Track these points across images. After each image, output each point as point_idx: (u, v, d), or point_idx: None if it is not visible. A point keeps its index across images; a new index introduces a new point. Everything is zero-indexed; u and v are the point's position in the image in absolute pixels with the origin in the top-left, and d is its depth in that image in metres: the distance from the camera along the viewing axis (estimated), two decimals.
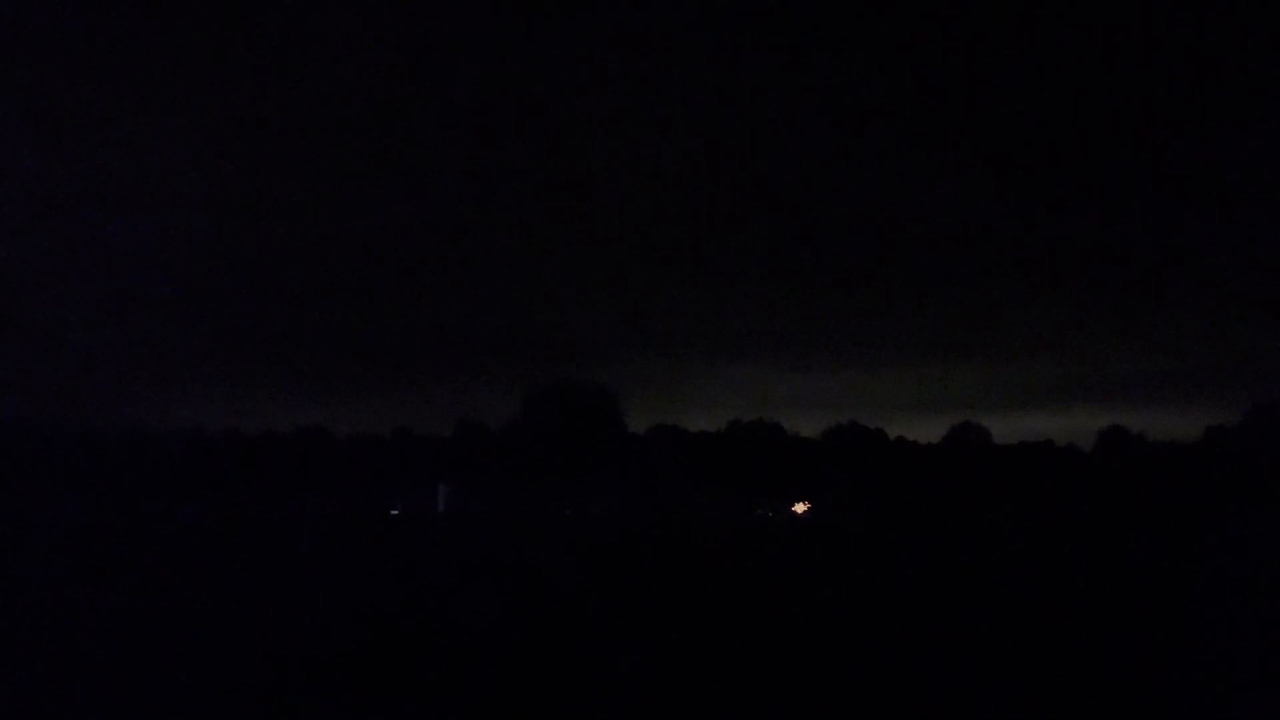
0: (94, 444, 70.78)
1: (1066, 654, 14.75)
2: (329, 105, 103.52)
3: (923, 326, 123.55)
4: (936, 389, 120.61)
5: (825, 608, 20.52)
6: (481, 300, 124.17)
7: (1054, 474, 70.14)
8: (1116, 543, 41.15)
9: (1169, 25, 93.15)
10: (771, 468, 70.24)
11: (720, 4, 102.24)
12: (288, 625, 16.53)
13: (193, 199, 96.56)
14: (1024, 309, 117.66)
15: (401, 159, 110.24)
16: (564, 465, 67.69)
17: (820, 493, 68.23)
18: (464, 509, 63.56)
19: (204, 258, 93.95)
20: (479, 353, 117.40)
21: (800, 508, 64.48)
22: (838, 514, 64.25)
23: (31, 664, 12.96)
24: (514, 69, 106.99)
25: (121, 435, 74.36)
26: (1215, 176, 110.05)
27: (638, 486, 67.16)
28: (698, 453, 77.20)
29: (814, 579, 26.65)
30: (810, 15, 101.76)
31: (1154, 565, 30.62)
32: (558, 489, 66.19)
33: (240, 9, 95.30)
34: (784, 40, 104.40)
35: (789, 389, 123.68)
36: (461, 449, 77.09)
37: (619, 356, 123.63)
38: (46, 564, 27.53)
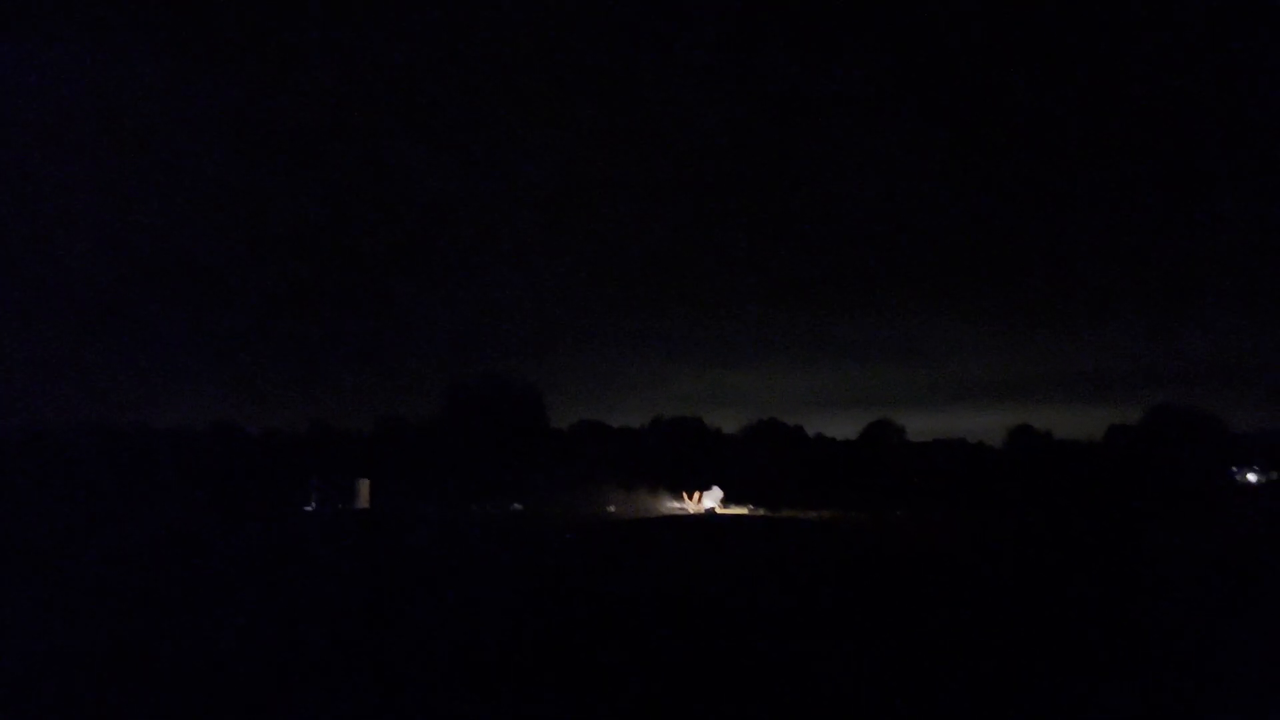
0: None
1: (980, 639, 15.30)
2: (259, 104, 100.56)
3: (840, 328, 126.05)
4: (853, 388, 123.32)
5: (750, 599, 20.86)
6: (404, 295, 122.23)
7: (966, 469, 72.24)
8: (1026, 533, 42.63)
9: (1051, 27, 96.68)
10: (694, 462, 70.88)
11: None
12: (198, 623, 16.15)
13: (108, 189, 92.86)
14: (937, 313, 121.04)
15: (321, 152, 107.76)
16: (487, 461, 67.14)
17: (740, 487, 68.97)
18: (384, 505, 62.52)
19: (113, 249, 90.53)
20: (401, 348, 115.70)
21: (711, 503, 65.18)
22: (762, 507, 65.04)
23: None
24: (426, 62, 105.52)
25: (22, 432, 71.28)
26: (1116, 186, 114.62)
27: (562, 482, 66.99)
28: (621, 448, 77.49)
29: (736, 571, 27.03)
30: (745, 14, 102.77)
31: (1061, 556, 31.85)
32: (480, 485, 65.61)
33: None
34: (714, 43, 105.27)
35: (710, 386, 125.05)
36: (382, 445, 75.87)
37: (543, 353, 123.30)
38: None
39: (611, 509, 62.46)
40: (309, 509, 59.75)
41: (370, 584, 21.92)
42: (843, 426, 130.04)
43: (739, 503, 67.60)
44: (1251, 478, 72.25)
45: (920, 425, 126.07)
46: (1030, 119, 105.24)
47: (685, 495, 67.39)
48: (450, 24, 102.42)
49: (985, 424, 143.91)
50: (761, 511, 63.49)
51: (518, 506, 64.08)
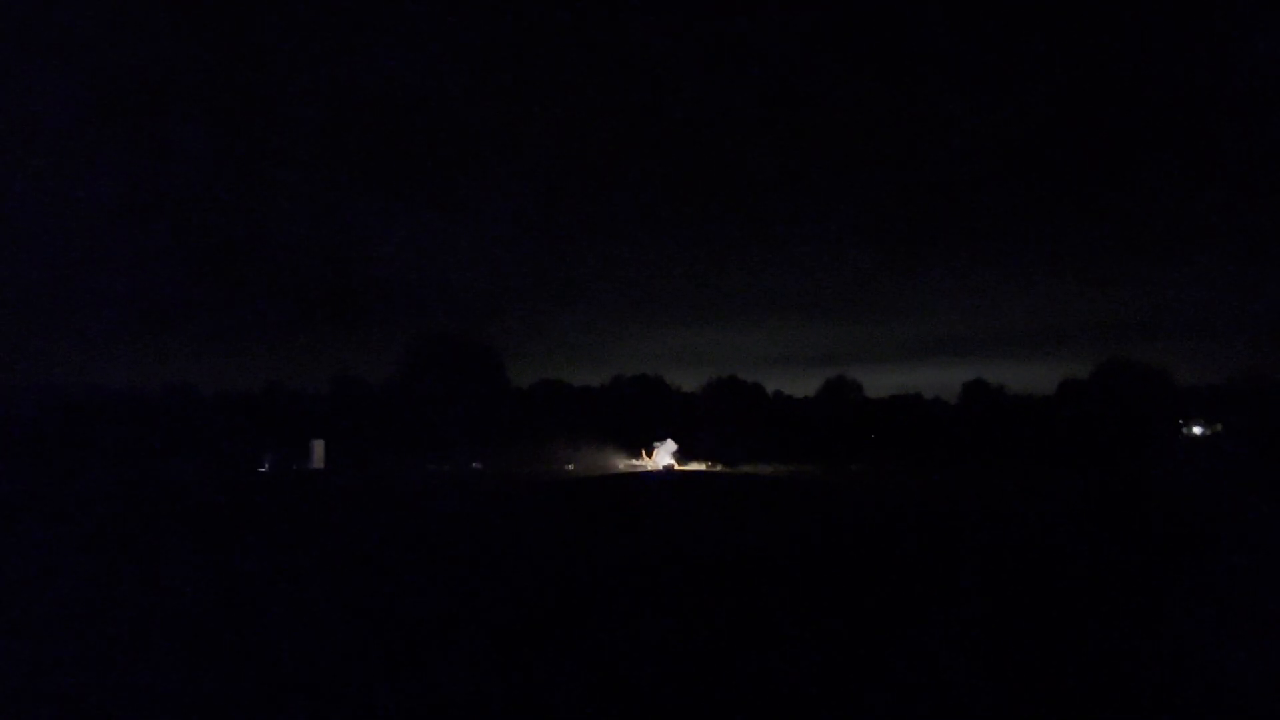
0: None
1: (939, 597, 15.45)
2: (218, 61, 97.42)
3: (797, 285, 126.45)
4: (812, 345, 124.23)
5: (713, 560, 20.92)
6: (361, 254, 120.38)
7: (922, 424, 73.22)
8: (980, 485, 43.32)
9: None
10: (653, 420, 71.02)
11: None
12: (154, 587, 15.85)
13: (55, 145, 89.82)
14: (893, 270, 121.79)
15: (279, 112, 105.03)
16: (445, 420, 66.76)
17: (699, 443, 69.31)
18: (341, 465, 62.05)
19: (60, 203, 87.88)
20: (358, 308, 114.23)
21: (667, 458, 65.47)
22: (720, 462, 65.47)
23: None
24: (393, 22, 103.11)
25: None
26: (1065, 142, 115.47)
27: (522, 441, 66.88)
28: (581, 407, 77.48)
29: (696, 526, 27.13)
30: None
31: (1016, 508, 32.38)
32: (439, 444, 65.28)
33: None
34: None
35: (670, 345, 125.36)
36: (338, 405, 75.13)
37: (502, 312, 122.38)
38: None
39: (570, 467, 62.54)
40: (263, 470, 59.12)
41: (323, 545, 21.69)
42: (801, 384, 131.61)
43: (698, 459, 67.97)
44: (1197, 430, 73.99)
45: (878, 382, 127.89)
46: (979, 74, 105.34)
47: (643, 452, 67.61)
48: None
49: (941, 379, 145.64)
50: (719, 467, 63.89)
51: (477, 465, 63.92)
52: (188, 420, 71.85)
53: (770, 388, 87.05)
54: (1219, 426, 73.28)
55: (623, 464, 66.33)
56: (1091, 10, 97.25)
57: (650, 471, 61.84)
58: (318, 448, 63.54)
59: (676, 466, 64.87)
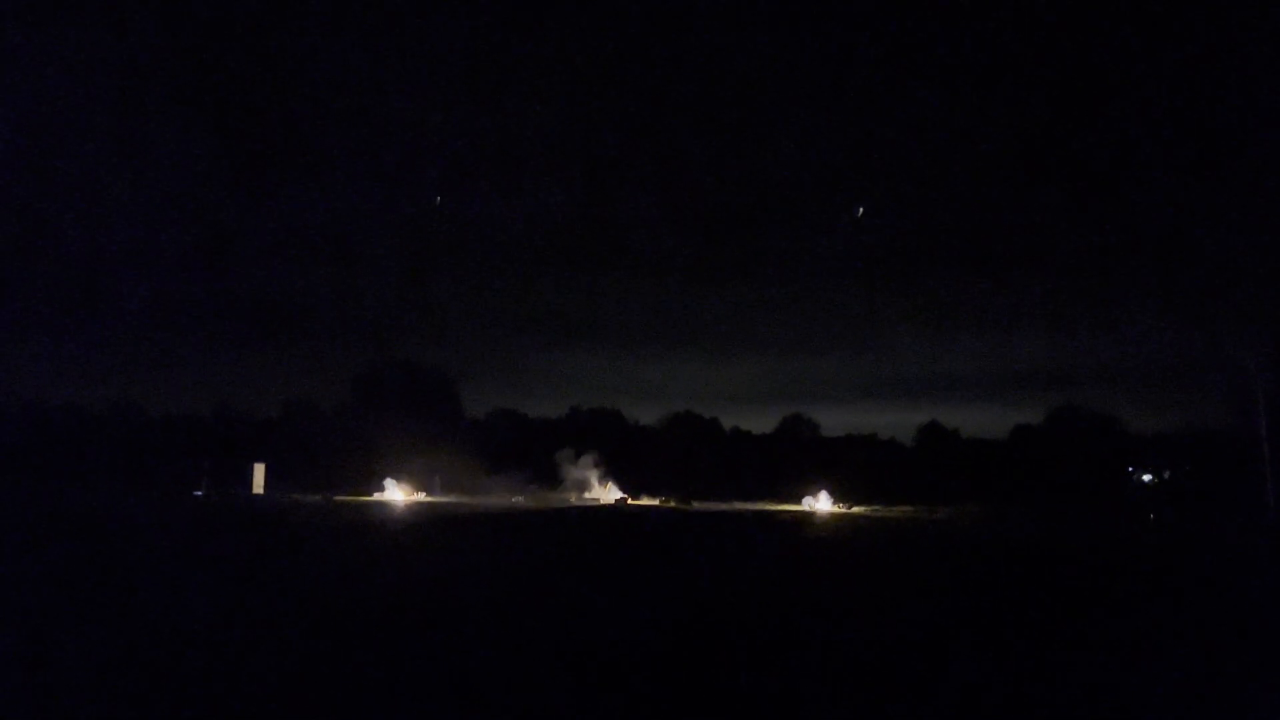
0: None
1: (900, 634, 14.93)
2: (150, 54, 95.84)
3: (757, 322, 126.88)
4: (769, 382, 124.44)
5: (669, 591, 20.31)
6: (315, 278, 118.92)
7: (877, 464, 73.19)
8: (931, 525, 43.07)
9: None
10: (611, 453, 70.35)
11: None
12: (90, 613, 14.80)
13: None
14: (851, 311, 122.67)
15: (235, 127, 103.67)
16: (396, 448, 65.53)
17: (656, 479, 68.72)
18: (283, 490, 60.49)
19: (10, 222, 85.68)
20: (314, 333, 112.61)
21: (617, 493, 64.71)
22: (674, 498, 64.79)
23: None
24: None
25: None
26: (1021, 190, 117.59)
27: (473, 470, 65.84)
28: (537, 438, 76.61)
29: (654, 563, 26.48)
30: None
31: (966, 549, 32.11)
32: (388, 472, 63.95)
33: None
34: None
35: (628, 378, 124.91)
36: (286, 430, 73.63)
37: (457, 340, 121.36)
38: None
39: (519, 499, 61.45)
40: (198, 494, 57.29)
41: (220, 574, 20.70)
42: (759, 420, 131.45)
43: (652, 494, 67.31)
44: (1146, 478, 74.77)
45: (834, 420, 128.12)
46: (938, 119, 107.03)
47: (597, 484, 66.84)
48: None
49: (896, 421, 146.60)
50: (672, 503, 63.27)
51: (423, 496, 62.70)
52: (129, 440, 69.98)
53: (728, 424, 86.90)
54: (1167, 474, 74.13)
55: (574, 497, 65.45)
56: (1066, 58, 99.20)
57: (604, 505, 61.06)
58: (258, 471, 61.94)
59: (630, 501, 64.11)
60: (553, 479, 67.64)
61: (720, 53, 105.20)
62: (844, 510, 59.27)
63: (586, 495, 65.81)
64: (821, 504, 61.41)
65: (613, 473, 68.84)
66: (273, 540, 28.76)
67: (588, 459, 67.42)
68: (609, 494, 65.69)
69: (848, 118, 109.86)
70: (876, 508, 61.49)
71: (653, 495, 66.66)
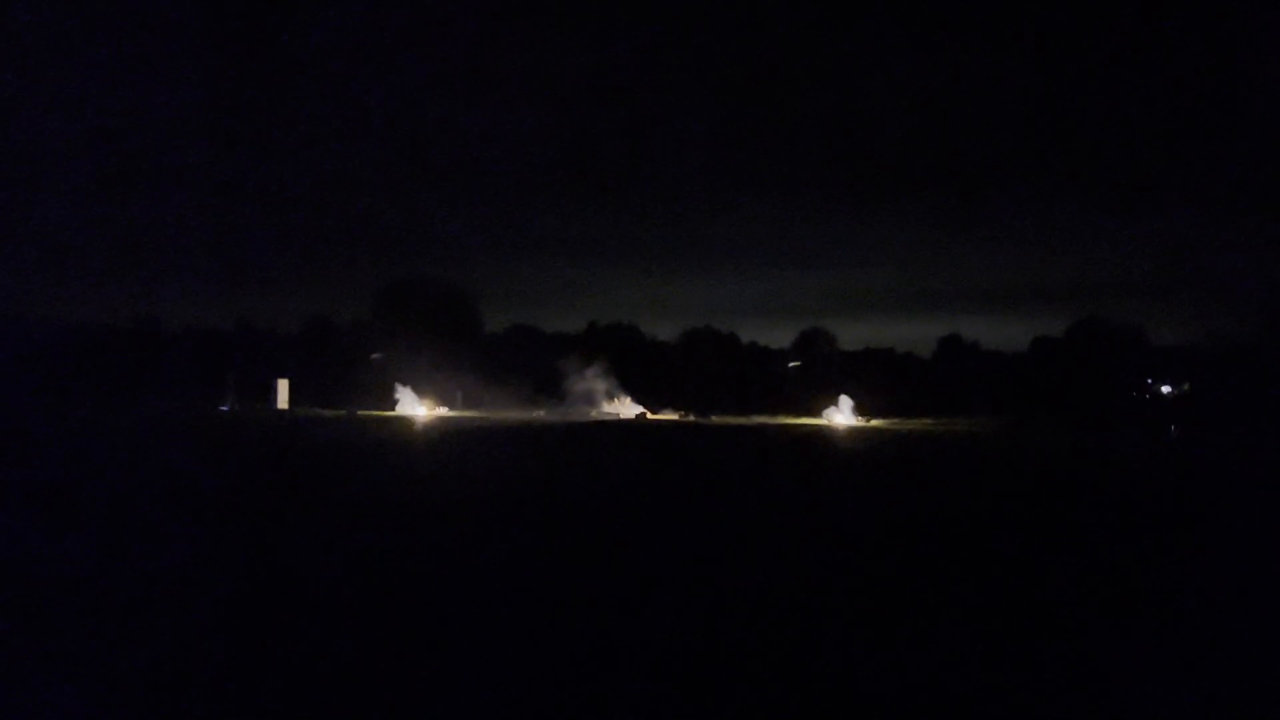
0: None
1: (912, 554, 15.05)
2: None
3: (774, 236, 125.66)
4: (787, 296, 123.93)
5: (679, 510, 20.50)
6: (337, 196, 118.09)
7: (894, 378, 72.93)
8: (953, 444, 43.27)
9: None
10: (629, 368, 70.30)
11: None
12: (121, 531, 15.01)
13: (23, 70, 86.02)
14: (867, 222, 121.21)
15: (253, 63, 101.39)
16: (417, 363, 65.65)
17: (674, 393, 68.84)
18: (306, 407, 61.03)
19: (26, 130, 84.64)
20: (334, 249, 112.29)
21: (637, 407, 64.96)
22: (693, 412, 65.10)
23: None
24: None
25: None
26: (1041, 97, 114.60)
27: (493, 385, 66.03)
28: (555, 354, 76.62)
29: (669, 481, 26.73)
30: None
31: (985, 466, 32.25)
32: (411, 385, 64.26)
33: None
34: None
35: (645, 294, 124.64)
36: (308, 345, 73.84)
37: (476, 257, 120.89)
38: None
39: (540, 413, 61.81)
40: (224, 409, 57.87)
41: (268, 482, 20.99)
42: (777, 334, 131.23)
43: (671, 409, 67.56)
44: (1165, 389, 74.35)
45: (852, 334, 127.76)
46: (951, 33, 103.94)
47: (616, 400, 67.05)
48: None
49: (915, 333, 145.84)
50: (691, 417, 63.54)
51: (445, 410, 63.12)
52: (151, 357, 70.34)
53: (746, 338, 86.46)
54: (1186, 386, 73.71)
55: (594, 412, 65.80)
56: None
57: (624, 419, 61.39)
58: (282, 387, 62.43)
59: (649, 415, 64.45)
60: (568, 394, 67.69)
61: None
62: (864, 423, 59.42)
63: (606, 409, 66.08)
64: (842, 416, 61.53)
65: (631, 387, 68.85)
66: (332, 452, 29.14)
67: (595, 369, 67.06)
68: (629, 409, 65.95)
69: (858, 31, 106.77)
70: (895, 421, 61.64)
71: (672, 410, 66.92)
